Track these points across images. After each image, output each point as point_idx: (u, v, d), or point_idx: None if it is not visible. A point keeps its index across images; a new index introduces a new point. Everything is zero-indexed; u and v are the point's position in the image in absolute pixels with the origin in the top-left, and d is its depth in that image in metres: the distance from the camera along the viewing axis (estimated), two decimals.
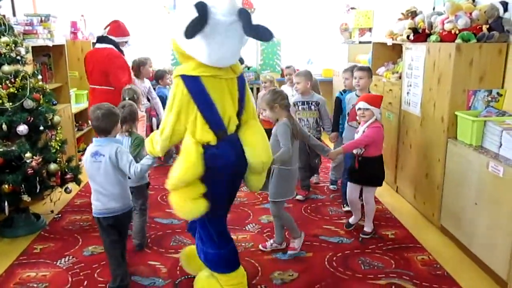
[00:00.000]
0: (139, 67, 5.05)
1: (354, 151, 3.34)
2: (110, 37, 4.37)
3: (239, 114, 2.34)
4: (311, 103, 4.11)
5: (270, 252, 3.20)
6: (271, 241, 3.28)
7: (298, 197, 4.14)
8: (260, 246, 3.26)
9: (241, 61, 5.80)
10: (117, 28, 4.45)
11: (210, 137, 2.20)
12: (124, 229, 2.71)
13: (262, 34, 2.07)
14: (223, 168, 2.24)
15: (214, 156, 2.19)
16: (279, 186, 3.07)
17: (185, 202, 2.19)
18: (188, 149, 2.17)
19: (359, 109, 3.31)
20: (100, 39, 4.45)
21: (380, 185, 3.51)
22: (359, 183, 3.44)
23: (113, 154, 2.55)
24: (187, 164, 2.13)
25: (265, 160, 2.34)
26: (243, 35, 2.15)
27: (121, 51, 4.45)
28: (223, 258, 2.42)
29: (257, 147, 2.31)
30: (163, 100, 5.10)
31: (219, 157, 2.21)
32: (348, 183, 3.52)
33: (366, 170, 3.33)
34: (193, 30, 2.01)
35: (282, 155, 2.92)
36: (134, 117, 3.18)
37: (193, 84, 2.17)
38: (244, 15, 2.08)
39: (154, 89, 5.33)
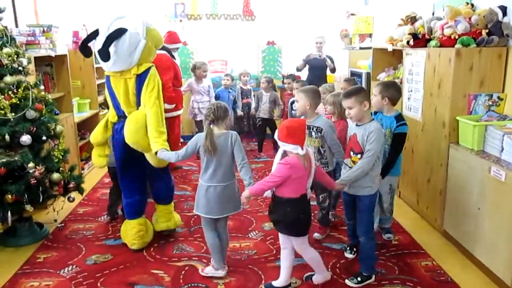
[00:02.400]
0: (194, 69, 5.95)
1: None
2: (165, 44, 4.62)
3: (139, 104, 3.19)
4: (312, 128, 3.26)
5: (273, 259, 3.20)
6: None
7: (316, 235, 3.53)
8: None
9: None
10: (169, 37, 5.20)
11: (113, 116, 3.29)
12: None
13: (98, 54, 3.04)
14: (117, 139, 3.26)
15: (115, 130, 3.28)
16: (196, 197, 2.92)
17: (94, 156, 3.45)
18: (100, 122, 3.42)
19: None
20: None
21: (295, 235, 2.69)
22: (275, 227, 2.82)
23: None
24: (95, 131, 3.40)
25: (127, 141, 3.12)
26: (118, 48, 3.02)
27: (173, 56, 5.00)
28: (125, 206, 3.41)
29: (125, 129, 3.13)
30: (220, 99, 5.96)
31: (117, 131, 3.26)
32: None
33: (275, 212, 2.68)
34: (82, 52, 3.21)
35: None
36: None
37: (107, 81, 3.25)
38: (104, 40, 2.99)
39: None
